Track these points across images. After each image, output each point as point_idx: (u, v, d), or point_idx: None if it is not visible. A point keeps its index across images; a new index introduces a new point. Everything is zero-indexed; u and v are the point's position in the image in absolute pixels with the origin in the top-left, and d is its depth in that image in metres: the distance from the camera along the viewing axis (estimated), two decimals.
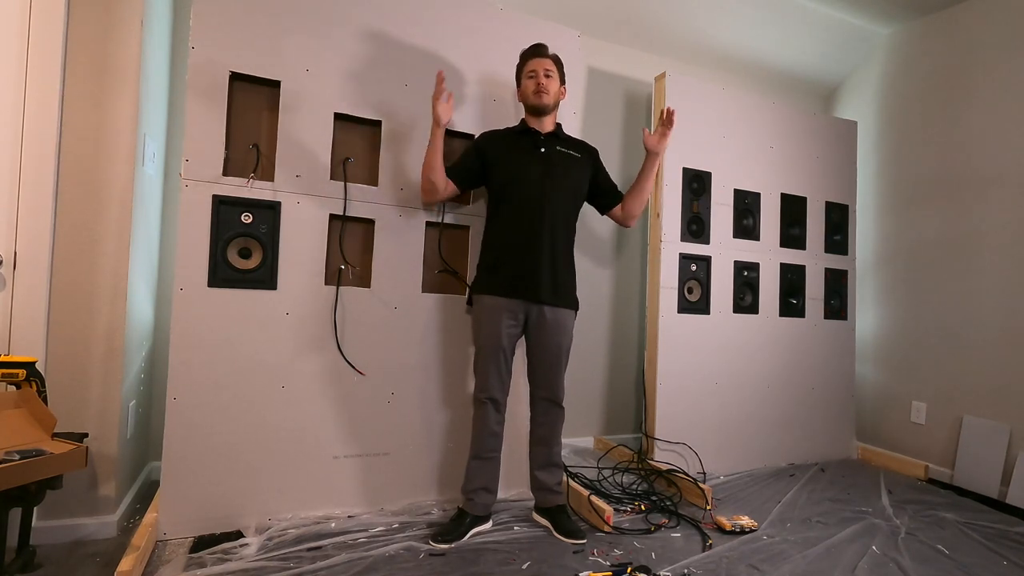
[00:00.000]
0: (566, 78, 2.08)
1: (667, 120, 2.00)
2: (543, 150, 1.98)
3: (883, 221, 3.33)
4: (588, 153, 2.09)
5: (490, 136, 2.04)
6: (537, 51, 2.00)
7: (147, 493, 2.09)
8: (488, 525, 1.97)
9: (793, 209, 3.08)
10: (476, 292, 1.99)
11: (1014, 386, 2.65)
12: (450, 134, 2.17)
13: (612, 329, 3.14)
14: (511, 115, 2.27)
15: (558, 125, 2.06)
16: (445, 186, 1.95)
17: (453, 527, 1.88)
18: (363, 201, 2.02)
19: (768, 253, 2.99)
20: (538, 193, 1.93)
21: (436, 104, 1.86)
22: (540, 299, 1.92)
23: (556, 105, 2.02)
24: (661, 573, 1.74)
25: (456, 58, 2.17)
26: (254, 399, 1.86)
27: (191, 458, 1.79)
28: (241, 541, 1.75)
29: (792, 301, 3.05)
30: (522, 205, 1.93)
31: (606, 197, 2.12)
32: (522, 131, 2.02)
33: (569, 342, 2.01)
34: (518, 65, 2.04)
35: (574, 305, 2.02)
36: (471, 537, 1.89)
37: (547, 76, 1.96)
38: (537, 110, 1.99)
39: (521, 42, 2.27)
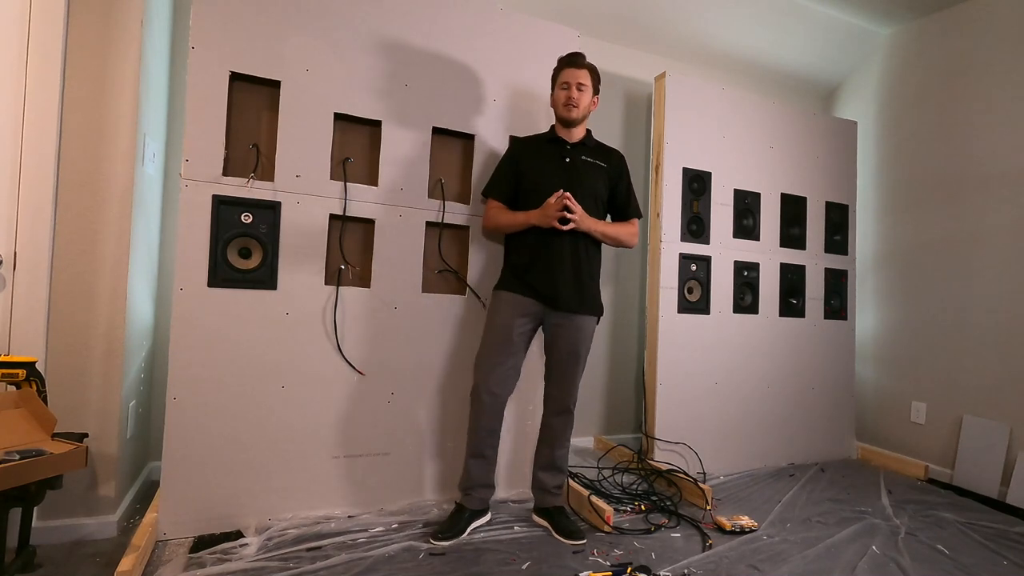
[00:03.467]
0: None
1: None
2: (568, 160, 1.99)
3: (883, 221, 3.33)
4: (614, 163, 2.07)
5: (521, 143, 2.07)
6: (573, 61, 1.96)
7: (147, 493, 2.09)
8: (487, 517, 1.98)
9: (793, 209, 3.08)
10: (498, 289, 1.99)
11: (1014, 386, 2.65)
12: (448, 133, 2.18)
13: (612, 329, 3.14)
14: (513, 114, 2.27)
15: (588, 132, 2.06)
16: (499, 214, 2.01)
17: (452, 523, 1.88)
18: (363, 201, 2.02)
19: (768, 253, 2.99)
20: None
21: (554, 214, 1.86)
22: (559, 307, 1.93)
23: (586, 116, 2.01)
24: (661, 573, 1.74)
25: (456, 58, 2.17)
26: (254, 399, 1.86)
27: (191, 458, 1.78)
28: (241, 541, 1.75)
29: (792, 301, 3.05)
30: None
31: (616, 212, 2.10)
32: (551, 139, 2.03)
33: (587, 348, 2.01)
34: (554, 70, 2.02)
35: (597, 311, 2.02)
36: (471, 533, 1.90)
37: (579, 89, 1.94)
38: (565, 122, 1.99)
39: (521, 42, 2.27)
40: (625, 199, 2.09)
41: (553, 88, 2.02)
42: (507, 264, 2.03)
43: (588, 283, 1.98)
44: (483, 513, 1.97)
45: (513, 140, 2.08)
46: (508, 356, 1.93)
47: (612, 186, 2.06)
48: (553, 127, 2.05)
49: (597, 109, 3.04)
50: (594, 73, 1.99)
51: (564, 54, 2.01)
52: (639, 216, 2.12)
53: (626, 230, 2.06)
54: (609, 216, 2.10)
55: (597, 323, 2.04)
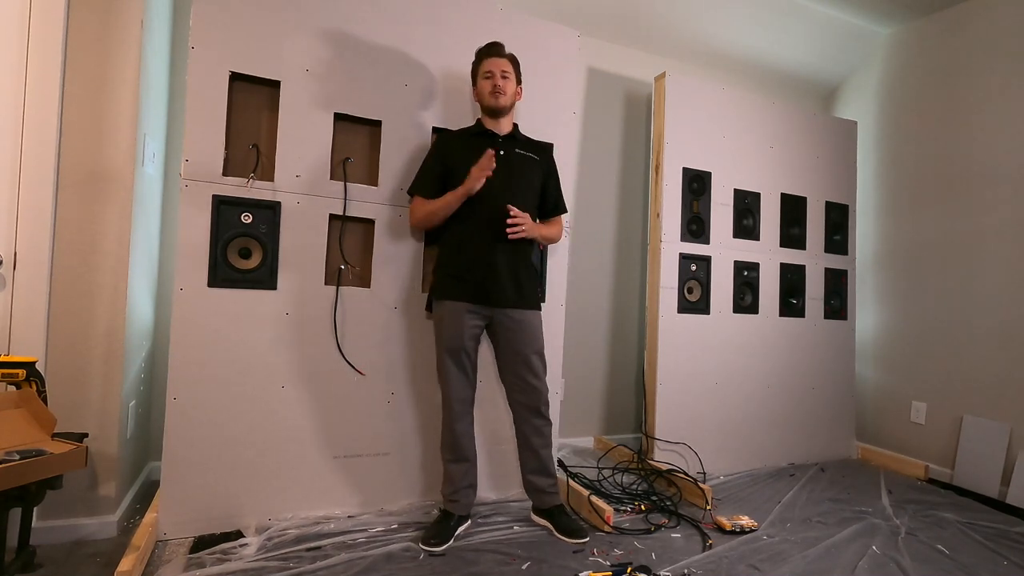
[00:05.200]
0: (521, 79, 2.00)
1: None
2: (502, 153, 1.95)
3: (883, 221, 3.33)
4: (544, 155, 2.07)
5: (448, 137, 2.02)
6: (492, 50, 1.95)
7: (147, 493, 2.09)
8: (469, 523, 1.97)
9: (793, 209, 3.08)
10: (438, 297, 1.94)
11: (1014, 386, 2.65)
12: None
13: (612, 329, 3.14)
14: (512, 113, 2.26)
15: (515, 126, 2.04)
16: (426, 203, 1.95)
17: (441, 529, 1.87)
18: (363, 201, 2.02)
19: (768, 253, 2.99)
20: (498, 198, 1.89)
21: (479, 174, 1.83)
22: (503, 303, 1.91)
23: (513, 106, 1.99)
24: (661, 573, 1.74)
25: (456, 57, 2.17)
26: (254, 399, 1.86)
27: (191, 458, 1.79)
28: (241, 541, 1.75)
29: (792, 301, 3.05)
30: (482, 210, 1.89)
31: (546, 209, 2.08)
32: (479, 132, 1.99)
33: (540, 343, 1.97)
34: (473, 63, 1.99)
35: (538, 305, 2.00)
36: (459, 539, 1.89)
37: (503, 77, 1.92)
38: (494, 111, 1.96)
39: (521, 41, 2.27)
40: (555, 196, 2.10)
41: (475, 82, 1.98)
42: (441, 265, 1.96)
43: (526, 276, 1.97)
44: (467, 519, 1.97)
45: (439, 135, 2.03)
46: (466, 361, 1.92)
47: (543, 180, 2.05)
48: (479, 120, 2.01)
49: (596, 109, 3.08)
50: (515, 63, 1.97)
51: (482, 46, 1.97)
52: (565, 211, 2.14)
53: (557, 229, 2.09)
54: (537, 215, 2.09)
55: (540, 318, 2.00)
